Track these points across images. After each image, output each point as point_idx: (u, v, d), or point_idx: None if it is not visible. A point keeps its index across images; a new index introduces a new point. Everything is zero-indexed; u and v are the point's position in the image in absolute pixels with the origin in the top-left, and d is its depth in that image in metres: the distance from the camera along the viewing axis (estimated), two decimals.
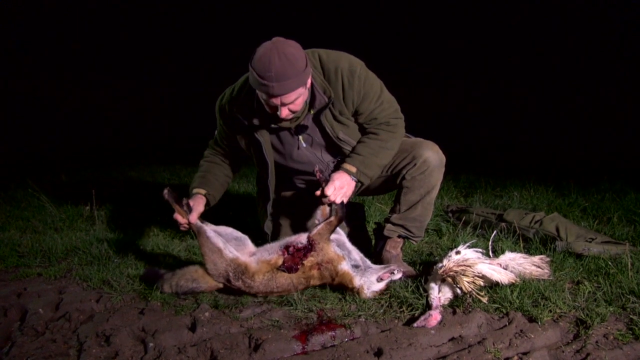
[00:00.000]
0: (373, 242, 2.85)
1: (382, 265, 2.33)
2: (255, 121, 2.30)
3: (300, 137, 2.41)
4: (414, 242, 2.70)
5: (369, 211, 3.69)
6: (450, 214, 3.61)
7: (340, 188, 2.28)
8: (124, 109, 12.70)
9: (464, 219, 3.39)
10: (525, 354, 1.78)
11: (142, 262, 2.79)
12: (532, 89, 12.32)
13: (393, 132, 2.42)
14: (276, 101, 2.08)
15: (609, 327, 1.95)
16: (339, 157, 2.51)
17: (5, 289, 2.47)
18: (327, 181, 2.27)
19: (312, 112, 2.31)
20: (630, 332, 1.90)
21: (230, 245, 2.31)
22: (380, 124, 2.39)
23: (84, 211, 3.91)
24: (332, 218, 2.25)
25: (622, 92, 10.64)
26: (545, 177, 5.02)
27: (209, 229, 2.31)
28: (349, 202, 2.42)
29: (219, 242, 2.27)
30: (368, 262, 2.34)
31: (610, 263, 2.48)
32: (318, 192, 2.26)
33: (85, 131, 10.88)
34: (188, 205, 2.34)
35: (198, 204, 2.39)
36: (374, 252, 2.70)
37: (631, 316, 2.01)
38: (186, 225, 2.34)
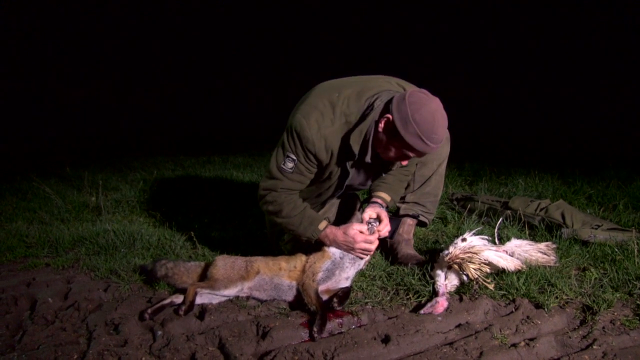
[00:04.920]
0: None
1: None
2: (368, 158, 2.17)
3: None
4: (427, 222, 2.71)
5: None
6: (455, 202, 3.61)
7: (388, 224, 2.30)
8: (127, 101, 12.72)
9: (469, 206, 3.38)
10: (531, 339, 1.78)
11: (149, 252, 2.81)
12: (537, 77, 12.24)
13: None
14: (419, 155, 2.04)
15: (615, 313, 1.95)
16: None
17: (14, 279, 2.50)
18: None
19: None
20: (637, 317, 1.91)
21: None
22: None
23: (90, 202, 3.93)
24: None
25: (626, 80, 10.56)
26: (550, 165, 5.00)
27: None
28: (343, 193, 2.50)
29: None
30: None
31: (616, 250, 2.48)
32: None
33: (88, 124, 10.91)
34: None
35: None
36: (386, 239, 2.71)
37: (638, 302, 2.01)
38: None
